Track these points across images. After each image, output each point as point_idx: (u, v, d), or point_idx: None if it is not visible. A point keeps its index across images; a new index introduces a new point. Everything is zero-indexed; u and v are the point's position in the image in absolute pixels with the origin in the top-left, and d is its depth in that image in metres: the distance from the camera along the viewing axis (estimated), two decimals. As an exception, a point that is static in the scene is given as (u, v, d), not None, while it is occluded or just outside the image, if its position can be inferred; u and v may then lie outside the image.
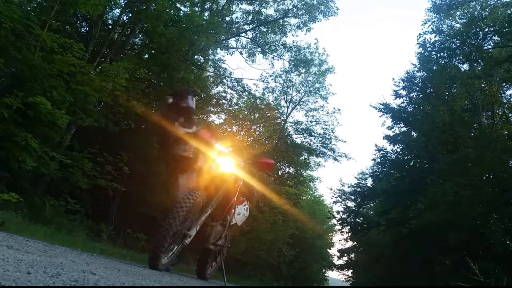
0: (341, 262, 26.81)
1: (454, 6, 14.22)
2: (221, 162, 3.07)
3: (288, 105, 19.74)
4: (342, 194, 21.89)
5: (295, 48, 17.50)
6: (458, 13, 14.62)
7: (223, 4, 14.83)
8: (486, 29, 11.49)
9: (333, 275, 32.59)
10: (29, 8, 6.55)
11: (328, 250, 27.19)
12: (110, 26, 9.47)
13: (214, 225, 3.16)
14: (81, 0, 5.60)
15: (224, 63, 17.06)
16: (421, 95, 15.32)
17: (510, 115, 12.88)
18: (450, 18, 14.74)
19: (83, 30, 9.40)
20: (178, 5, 10.23)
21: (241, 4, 15.86)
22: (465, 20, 13.21)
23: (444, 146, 12.46)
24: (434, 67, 13.88)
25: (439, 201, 9.62)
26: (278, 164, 18.88)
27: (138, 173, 7.99)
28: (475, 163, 9.56)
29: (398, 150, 16.24)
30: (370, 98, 55.44)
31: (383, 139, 15.81)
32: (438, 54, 13.59)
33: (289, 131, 20.48)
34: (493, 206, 8.93)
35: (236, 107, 18.25)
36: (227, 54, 17.11)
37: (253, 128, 19.78)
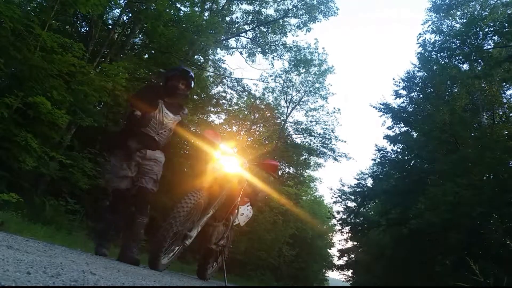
0: (341, 262, 26.85)
1: (454, 6, 14.23)
2: (226, 162, 3.06)
3: (288, 105, 19.75)
4: (342, 194, 21.91)
5: (295, 48, 17.52)
6: (458, 13, 14.63)
7: (223, 4, 14.84)
8: (486, 29, 11.48)
9: (333, 275, 32.63)
10: (29, 8, 6.55)
11: (328, 250, 27.24)
12: (110, 26, 9.47)
13: (217, 225, 3.16)
14: (81, 0, 5.60)
15: (224, 63, 17.13)
16: (421, 95, 15.32)
17: (510, 115, 12.88)
18: (450, 18, 14.75)
19: (83, 30, 9.40)
20: (178, 5, 10.24)
21: (241, 4, 15.87)
22: (465, 20, 13.21)
23: (444, 146, 12.46)
24: (435, 67, 13.89)
25: (439, 201, 9.62)
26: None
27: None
28: (475, 163, 9.56)
29: (398, 150, 16.24)
30: (370, 98, 55.59)
31: (383, 139, 15.81)
32: (438, 54, 13.59)
33: (289, 131, 20.51)
34: (493, 206, 8.92)
35: (236, 107, 18.27)
36: (227, 54, 17.15)
37: (253, 128, 19.80)
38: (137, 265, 2.84)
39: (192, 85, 3.47)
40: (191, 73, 3.45)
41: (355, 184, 19.55)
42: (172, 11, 9.46)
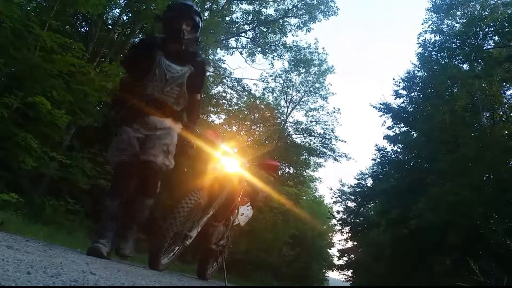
0: (341, 262, 26.84)
1: (454, 6, 14.25)
2: (226, 162, 3.06)
3: (288, 105, 19.77)
4: (342, 194, 21.91)
5: (295, 48, 17.54)
6: (458, 13, 14.65)
7: (223, 4, 14.84)
8: (486, 29, 11.50)
9: (333, 275, 32.62)
10: (29, 8, 6.54)
11: (328, 250, 27.24)
12: (110, 26, 9.47)
13: (217, 225, 3.16)
14: (81, 0, 5.60)
15: (224, 63, 17.11)
16: (421, 95, 15.34)
17: (510, 115, 12.89)
18: (450, 17, 14.76)
19: (83, 30, 9.40)
20: (178, 5, 10.21)
21: (241, 4, 15.88)
22: (465, 20, 13.23)
23: (444, 146, 12.47)
24: (435, 67, 13.90)
25: (439, 201, 9.63)
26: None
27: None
28: (475, 163, 9.57)
29: (398, 150, 16.26)
30: (370, 98, 55.62)
31: (383, 139, 15.84)
32: (438, 54, 13.61)
33: (289, 131, 20.51)
34: (493, 206, 8.94)
35: (236, 107, 18.29)
36: (227, 54, 17.15)
37: (253, 128, 19.80)
38: (125, 258, 2.46)
39: (200, 23, 2.73)
40: (194, 7, 2.72)
41: (355, 184, 19.61)
42: (172, 11, 9.44)
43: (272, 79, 19.18)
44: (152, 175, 2.53)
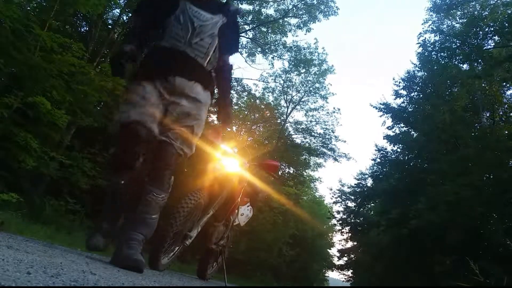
0: (341, 262, 26.85)
1: (454, 6, 14.25)
2: (226, 162, 3.07)
3: (288, 105, 19.77)
4: (342, 194, 21.92)
5: (295, 48, 17.53)
6: (458, 13, 14.66)
7: (223, 4, 14.84)
8: (486, 29, 11.51)
9: (333, 275, 32.63)
10: (29, 8, 6.55)
11: (328, 250, 27.25)
12: (110, 26, 9.47)
13: (217, 225, 3.16)
14: (81, 0, 5.60)
15: (224, 63, 17.06)
16: (421, 95, 15.35)
17: (510, 115, 12.91)
18: (450, 17, 14.77)
19: (83, 30, 9.41)
20: (178, 5, 10.21)
21: (241, 4, 15.86)
22: (465, 20, 13.24)
23: (444, 146, 12.48)
24: (435, 67, 13.91)
25: (439, 201, 9.63)
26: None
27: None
28: (475, 163, 9.57)
29: (398, 150, 16.26)
30: (370, 98, 55.54)
31: (383, 139, 15.84)
32: (438, 54, 13.62)
33: (289, 131, 20.52)
34: (493, 206, 8.94)
35: (236, 107, 18.28)
36: (227, 54, 17.11)
37: (253, 128, 19.81)
38: (140, 269, 1.77)
39: None
40: None
41: (355, 184, 19.59)
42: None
43: (272, 79, 19.21)
44: (165, 158, 1.96)
